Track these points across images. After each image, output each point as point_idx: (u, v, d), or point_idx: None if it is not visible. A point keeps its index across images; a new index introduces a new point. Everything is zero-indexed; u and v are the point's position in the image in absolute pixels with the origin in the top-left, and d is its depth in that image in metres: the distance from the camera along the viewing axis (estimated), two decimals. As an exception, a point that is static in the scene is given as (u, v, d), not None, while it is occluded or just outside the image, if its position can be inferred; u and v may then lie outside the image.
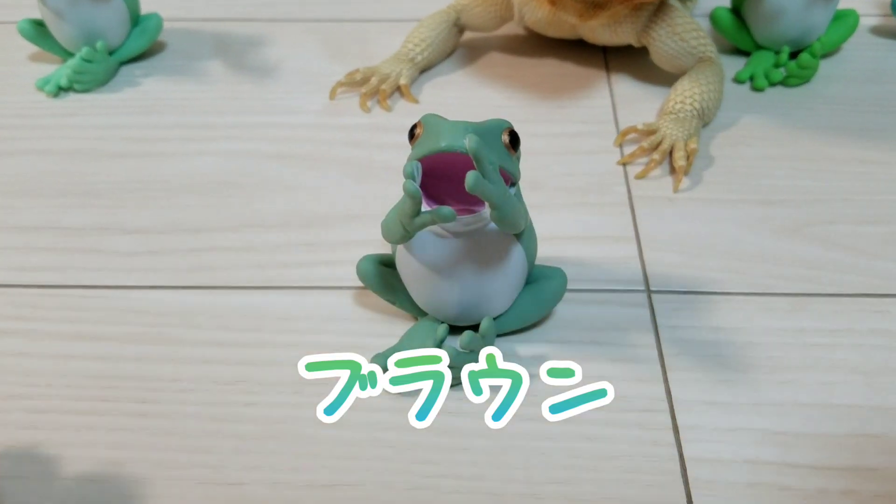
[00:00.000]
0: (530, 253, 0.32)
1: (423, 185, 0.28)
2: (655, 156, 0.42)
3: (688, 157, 0.41)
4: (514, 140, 0.29)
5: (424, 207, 0.28)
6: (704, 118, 0.44)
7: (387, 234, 0.30)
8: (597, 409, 0.31)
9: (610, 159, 0.43)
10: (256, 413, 0.31)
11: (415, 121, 0.30)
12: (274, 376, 0.32)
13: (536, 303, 0.33)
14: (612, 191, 0.41)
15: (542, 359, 0.32)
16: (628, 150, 0.43)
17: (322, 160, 0.43)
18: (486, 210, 0.28)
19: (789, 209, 0.40)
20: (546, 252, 0.37)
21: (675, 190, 0.41)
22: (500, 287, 0.32)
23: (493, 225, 0.29)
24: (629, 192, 0.41)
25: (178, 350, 0.33)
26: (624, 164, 0.42)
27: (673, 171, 0.42)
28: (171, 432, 0.30)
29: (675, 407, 0.31)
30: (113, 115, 0.47)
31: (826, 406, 0.31)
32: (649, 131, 0.43)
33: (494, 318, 0.32)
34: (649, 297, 0.35)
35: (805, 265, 0.37)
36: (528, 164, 0.42)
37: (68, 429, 0.30)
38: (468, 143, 0.26)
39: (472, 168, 0.27)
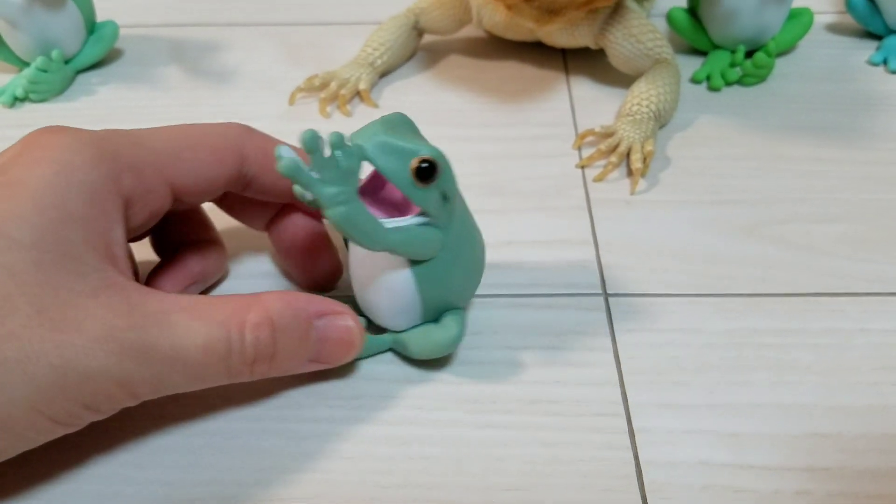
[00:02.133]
0: (429, 287, 0.31)
1: (375, 193, 0.29)
2: (613, 158, 0.42)
3: (644, 160, 0.42)
4: (423, 173, 0.27)
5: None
6: (661, 119, 0.44)
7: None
8: (553, 414, 0.31)
9: (568, 162, 0.43)
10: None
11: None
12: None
13: (421, 343, 0.32)
14: (570, 194, 0.41)
15: (496, 364, 0.33)
16: (587, 152, 0.44)
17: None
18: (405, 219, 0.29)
19: (744, 209, 0.40)
20: (504, 257, 0.37)
21: (632, 192, 0.41)
22: (379, 301, 0.31)
23: None
24: (587, 195, 0.41)
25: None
26: (582, 168, 0.43)
27: (630, 173, 0.42)
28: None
29: (630, 410, 0.31)
30: (70, 125, 0.46)
31: (780, 406, 0.31)
32: (607, 134, 0.43)
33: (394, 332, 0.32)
34: (606, 301, 0.35)
35: (759, 265, 0.37)
36: (488, 168, 0.43)
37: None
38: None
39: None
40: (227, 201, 0.35)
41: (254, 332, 0.27)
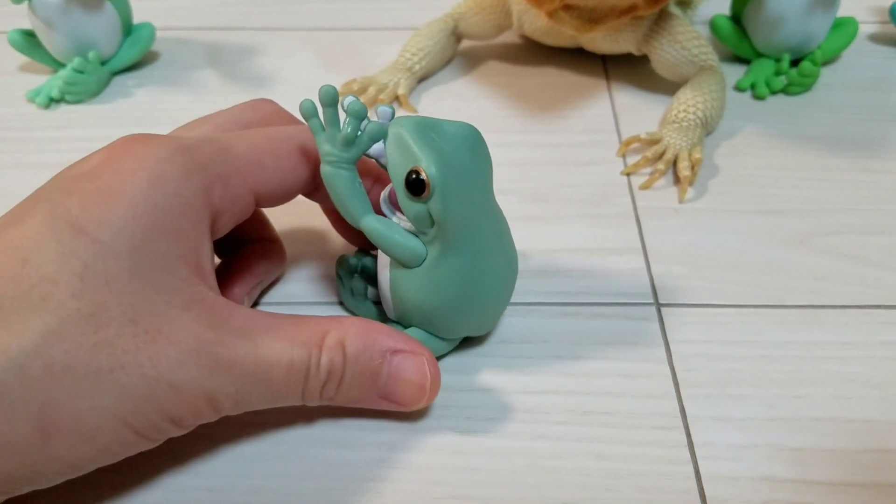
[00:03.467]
0: (397, 292, 0.30)
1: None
2: (660, 165, 0.41)
3: (692, 167, 0.41)
4: (413, 186, 0.26)
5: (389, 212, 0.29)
6: (707, 127, 0.44)
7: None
8: (608, 426, 0.30)
9: (613, 169, 0.42)
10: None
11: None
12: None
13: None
14: (616, 202, 0.40)
15: (548, 374, 0.32)
16: (631, 160, 0.43)
17: (320, 172, 0.43)
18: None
19: (794, 219, 0.39)
20: (550, 265, 0.37)
21: (681, 200, 0.40)
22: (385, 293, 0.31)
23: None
24: (634, 202, 0.40)
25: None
26: (628, 175, 0.42)
27: (677, 181, 0.41)
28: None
29: (689, 423, 0.30)
30: (106, 127, 0.46)
31: (841, 421, 0.30)
32: (652, 141, 0.43)
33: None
34: (658, 311, 0.34)
35: (812, 276, 0.36)
36: (529, 175, 0.42)
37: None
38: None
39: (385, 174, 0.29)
40: None
41: (328, 355, 0.27)
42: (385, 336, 0.28)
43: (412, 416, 0.30)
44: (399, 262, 0.29)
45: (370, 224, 0.28)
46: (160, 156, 0.26)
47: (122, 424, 0.24)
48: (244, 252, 0.34)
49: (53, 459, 0.23)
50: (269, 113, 0.32)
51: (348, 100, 0.27)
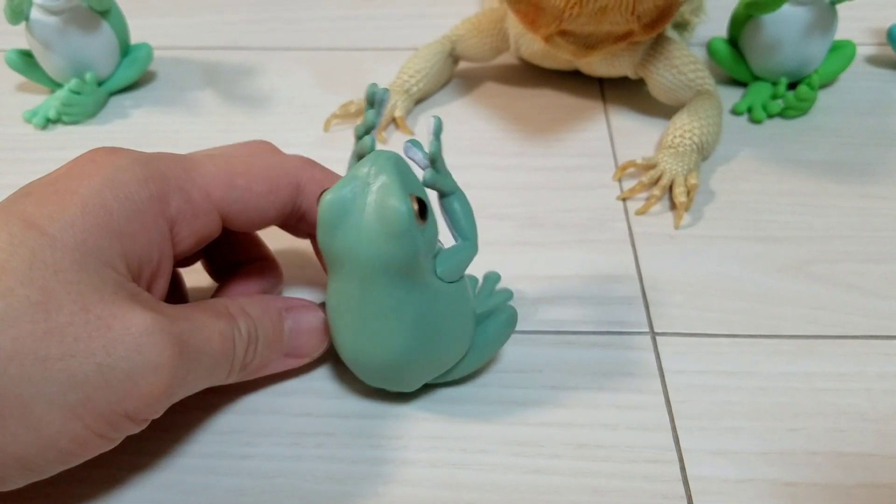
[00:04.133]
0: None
1: None
2: (656, 191, 0.41)
3: (688, 193, 0.41)
4: (423, 210, 0.27)
5: None
6: (704, 152, 0.44)
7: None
8: (603, 459, 0.30)
9: (609, 194, 0.42)
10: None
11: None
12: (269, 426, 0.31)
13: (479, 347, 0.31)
14: (612, 227, 0.40)
15: (542, 405, 0.32)
16: (627, 184, 0.43)
17: (316, 195, 0.42)
18: None
19: (791, 246, 0.39)
20: (546, 292, 0.36)
21: (677, 226, 0.40)
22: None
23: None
24: (630, 228, 0.40)
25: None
26: (624, 200, 0.42)
27: (673, 206, 0.41)
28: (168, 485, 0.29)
29: (683, 457, 0.30)
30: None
31: (836, 455, 0.30)
32: (648, 166, 0.43)
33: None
34: (654, 340, 0.34)
35: (810, 305, 0.36)
36: (525, 198, 0.42)
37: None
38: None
39: None
40: None
41: (241, 319, 0.28)
42: (273, 299, 0.31)
43: (402, 446, 0.30)
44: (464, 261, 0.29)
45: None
46: (119, 164, 0.27)
47: (71, 416, 0.23)
48: (240, 272, 0.34)
49: None
50: (296, 160, 0.32)
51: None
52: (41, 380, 0.23)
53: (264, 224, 0.31)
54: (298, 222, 0.32)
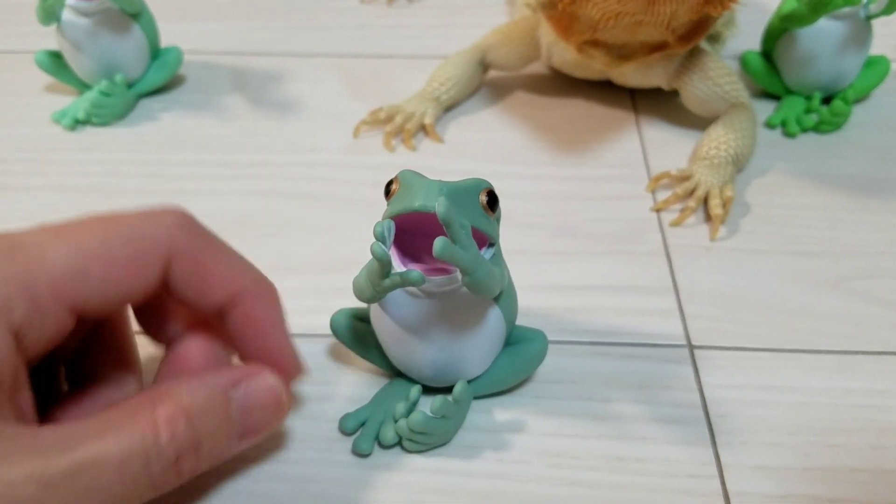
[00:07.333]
0: (509, 314, 0.30)
1: (399, 241, 0.27)
2: (691, 203, 0.41)
3: (724, 205, 0.40)
4: (492, 201, 0.28)
5: (398, 266, 0.27)
6: (739, 164, 0.43)
7: (358, 293, 0.29)
8: (641, 473, 0.29)
9: (642, 205, 0.42)
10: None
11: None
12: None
13: (514, 366, 0.31)
14: (646, 238, 0.40)
15: (578, 416, 0.31)
16: (661, 195, 0.42)
17: (346, 201, 0.42)
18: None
19: (828, 261, 0.39)
20: (579, 302, 0.36)
21: (713, 239, 0.39)
22: (475, 350, 0.30)
23: None
24: (664, 240, 0.40)
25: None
26: (658, 211, 0.41)
27: (708, 218, 0.41)
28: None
29: (724, 472, 0.29)
30: (131, 151, 0.46)
31: (878, 472, 0.30)
32: (683, 177, 0.42)
33: (470, 381, 0.31)
34: (692, 353, 0.34)
35: (847, 321, 0.36)
36: (557, 208, 0.41)
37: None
38: (438, 208, 0.25)
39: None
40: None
41: (168, 428, 0.24)
42: (215, 375, 0.26)
43: (436, 454, 0.30)
44: (497, 290, 0.28)
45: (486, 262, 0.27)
46: None
47: None
48: (91, 381, 0.28)
49: None
50: (167, 226, 0.26)
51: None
52: None
53: (124, 307, 0.28)
54: (165, 293, 0.27)
